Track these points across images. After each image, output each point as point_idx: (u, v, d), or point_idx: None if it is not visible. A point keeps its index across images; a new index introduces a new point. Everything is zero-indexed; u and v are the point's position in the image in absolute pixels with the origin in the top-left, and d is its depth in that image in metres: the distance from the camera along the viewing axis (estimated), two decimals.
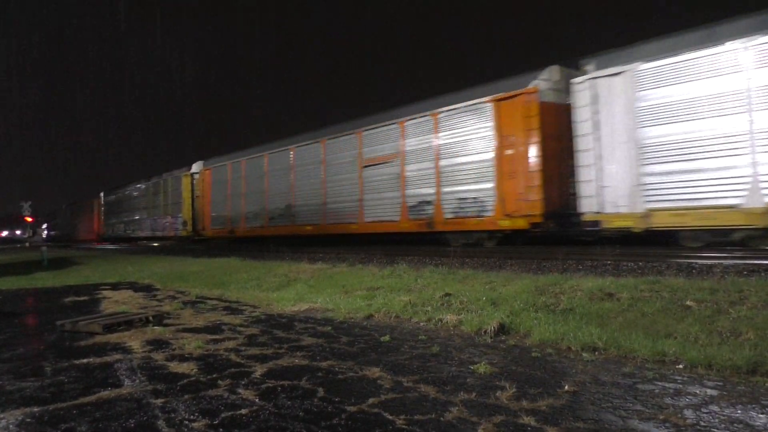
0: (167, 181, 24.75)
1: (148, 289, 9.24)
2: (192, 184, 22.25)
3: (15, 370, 3.96)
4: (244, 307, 6.79)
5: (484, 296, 5.84)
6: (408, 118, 12.46)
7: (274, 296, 7.55)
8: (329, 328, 5.23)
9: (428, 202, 11.81)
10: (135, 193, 29.37)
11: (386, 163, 12.90)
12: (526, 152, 10.01)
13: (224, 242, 21.18)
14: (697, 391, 3.01)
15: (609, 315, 4.77)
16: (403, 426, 2.61)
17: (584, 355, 3.87)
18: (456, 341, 4.49)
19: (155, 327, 5.47)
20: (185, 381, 3.50)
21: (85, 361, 4.16)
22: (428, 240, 13.42)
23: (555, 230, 10.30)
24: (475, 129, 10.95)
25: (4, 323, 6.17)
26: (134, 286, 9.81)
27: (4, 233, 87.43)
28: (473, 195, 10.89)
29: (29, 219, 21.62)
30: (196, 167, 22.28)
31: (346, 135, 14.26)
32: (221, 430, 2.63)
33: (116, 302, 7.63)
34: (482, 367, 3.57)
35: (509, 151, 10.31)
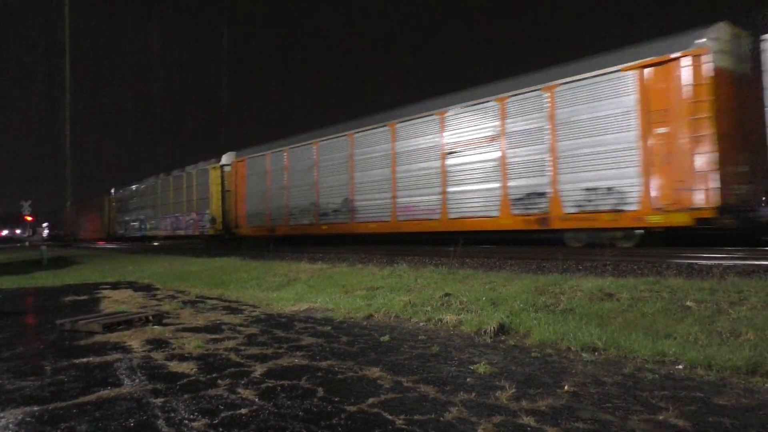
0: (191, 175, 22.47)
1: (147, 289, 9.24)
2: (222, 177, 20.15)
3: (15, 369, 3.96)
4: (243, 307, 6.79)
5: (484, 296, 5.84)
6: (510, 94, 10.62)
7: (273, 296, 7.55)
8: (329, 327, 5.23)
9: (540, 194, 10.03)
10: (152, 189, 26.97)
11: (479, 148, 11.17)
12: (691, 130, 8.17)
13: (262, 242, 18.54)
14: (697, 392, 3.01)
15: (609, 315, 4.77)
16: (403, 426, 2.61)
17: (584, 355, 3.87)
18: (456, 341, 4.49)
19: (155, 326, 5.47)
20: (185, 380, 3.50)
21: (84, 360, 4.16)
22: (535, 240, 12.08)
23: (735, 227, 8.35)
24: (608, 103, 9.13)
25: (4, 322, 6.17)
26: (134, 286, 9.81)
27: (4, 232, 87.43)
28: (607, 184, 9.08)
29: (29, 218, 21.35)
30: (226, 158, 20.12)
31: (424, 117, 12.42)
32: (221, 429, 2.63)
33: (116, 302, 7.63)
34: (482, 367, 3.57)
35: (662, 129, 8.46)
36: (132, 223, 30.03)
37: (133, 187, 30.10)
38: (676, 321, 4.39)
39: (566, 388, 3.12)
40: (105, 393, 3.27)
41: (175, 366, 3.88)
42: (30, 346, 4.88)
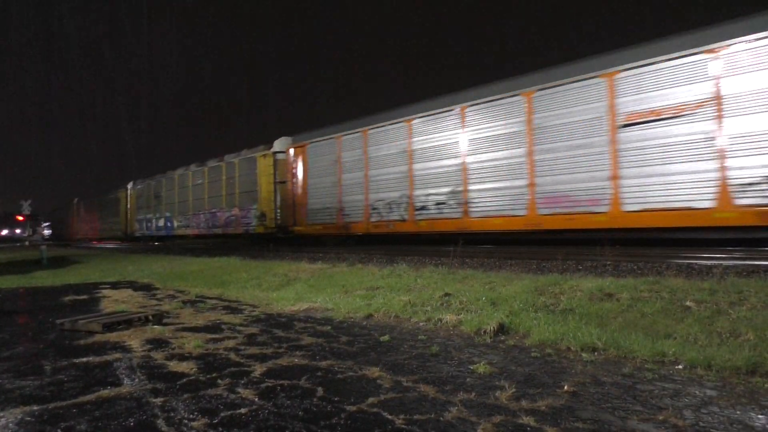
0: (233, 165, 19.24)
1: (147, 288, 9.24)
2: (274, 166, 17.00)
3: (14, 368, 3.96)
4: (243, 307, 6.79)
5: (483, 296, 5.84)
6: (738, 41, 7.64)
7: (273, 296, 7.55)
8: (329, 327, 5.24)
9: None
10: (182, 182, 23.26)
11: (674, 118, 8.17)
12: None
13: (329, 241, 15.87)
14: (697, 392, 3.01)
15: (609, 315, 4.78)
16: (403, 426, 2.61)
17: (584, 355, 3.87)
18: (455, 341, 4.49)
19: (155, 326, 5.47)
20: (185, 380, 3.50)
21: (84, 359, 4.16)
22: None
23: None
24: None
25: (4, 322, 6.17)
26: (134, 285, 9.81)
27: (4, 232, 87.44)
28: None
29: (20, 218, 21.07)
30: (279, 145, 17.09)
31: (583, 80, 9.31)
32: (221, 429, 2.63)
33: (116, 301, 7.63)
34: (482, 367, 3.57)
35: None
36: (155, 221, 26.10)
37: (157, 180, 26.02)
38: (675, 321, 4.39)
39: (566, 388, 3.12)
40: (105, 392, 3.27)
41: (174, 365, 3.88)
42: (29, 345, 4.88)
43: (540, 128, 9.91)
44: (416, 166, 12.31)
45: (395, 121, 12.95)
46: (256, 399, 3.07)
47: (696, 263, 6.82)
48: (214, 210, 20.65)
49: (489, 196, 10.70)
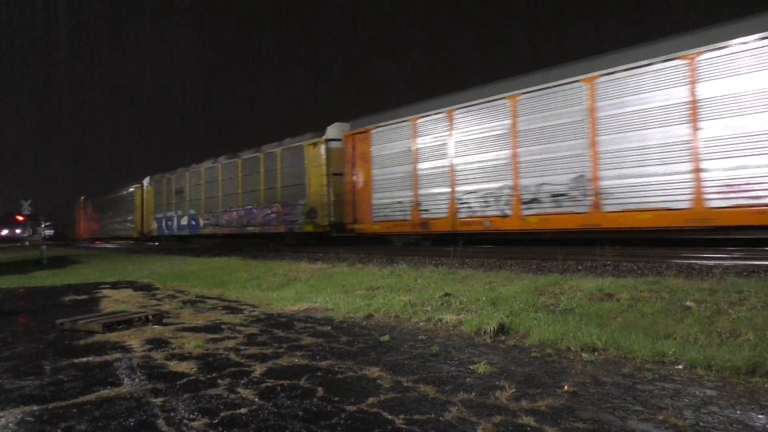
0: (273, 156, 16.90)
1: (147, 288, 9.24)
2: (327, 156, 14.78)
3: (14, 368, 3.96)
4: (243, 307, 6.79)
5: (483, 296, 5.84)
6: None
7: (273, 296, 7.55)
8: (329, 327, 5.24)
9: None
10: (210, 176, 20.85)
11: None
12: None
13: (400, 240, 13.98)
14: (697, 392, 3.01)
15: (609, 315, 4.78)
16: (403, 426, 2.61)
17: (584, 355, 3.87)
18: (455, 341, 4.49)
19: (155, 326, 5.47)
20: (185, 380, 3.50)
21: (84, 359, 4.16)
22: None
23: None
24: None
25: (4, 322, 6.17)
26: (134, 285, 9.81)
27: (4, 232, 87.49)
28: None
29: (20, 218, 20.95)
30: (333, 131, 14.88)
31: None
32: (221, 429, 2.63)
33: (116, 301, 7.63)
34: (482, 367, 3.57)
35: None
36: (177, 220, 23.36)
37: (179, 174, 23.31)
38: (675, 321, 4.39)
39: (566, 388, 3.12)
40: (105, 392, 3.27)
41: (174, 365, 3.88)
42: (29, 345, 4.88)
43: (708, 99, 7.85)
44: (521, 150, 10.17)
45: (492, 98, 10.63)
46: (256, 399, 3.07)
47: (696, 263, 6.82)
48: (249, 206, 18.24)
49: (632, 184, 8.60)
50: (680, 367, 3.51)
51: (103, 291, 9.00)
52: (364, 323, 5.47)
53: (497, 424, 2.59)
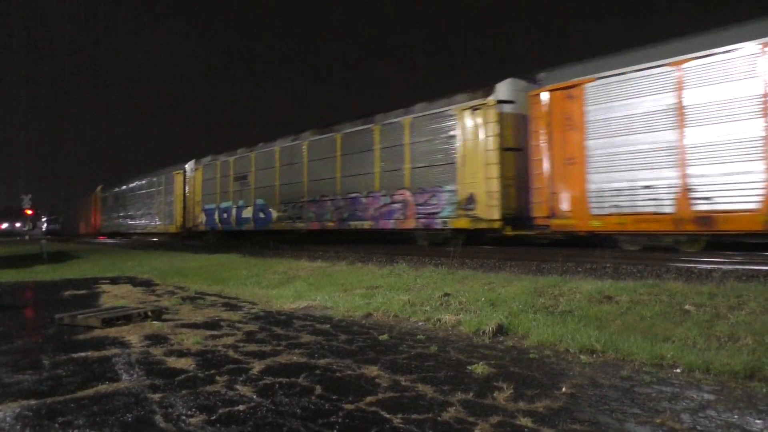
0: (398, 127, 12.56)
1: (147, 284, 9.24)
2: (499, 124, 10.52)
3: (13, 363, 3.97)
4: (243, 304, 6.79)
5: (483, 297, 5.85)
6: None
7: (273, 293, 7.55)
8: (328, 326, 5.24)
9: None
10: (285, 158, 16.48)
11: None
12: None
13: (638, 240, 9.05)
14: (695, 396, 3.02)
15: (607, 318, 4.78)
16: (400, 425, 2.61)
17: (582, 357, 3.87)
18: (454, 341, 4.49)
19: (154, 322, 5.48)
20: (183, 376, 3.51)
21: (83, 354, 4.17)
22: None
23: None
24: None
25: (3, 316, 6.18)
26: (133, 281, 9.82)
27: (4, 226, 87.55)
28: None
29: (29, 212, 20.73)
30: (506, 90, 10.71)
31: None
32: (218, 425, 2.64)
33: (115, 296, 7.64)
34: (480, 368, 3.57)
35: None
36: (236, 212, 18.80)
37: (240, 156, 18.85)
38: (674, 324, 4.39)
39: (564, 389, 3.13)
40: (103, 387, 3.27)
41: (173, 362, 3.89)
42: (28, 340, 4.89)
43: None
44: None
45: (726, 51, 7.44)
46: (255, 396, 3.08)
47: (695, 267, 6.82)
48: (353, 194, 13.85)
49: None
50: (678, 370, 3.51)
51: (103, 286, 9.00)
52: (363, 322, 5.47)
53: (495, 425, 2.60)
